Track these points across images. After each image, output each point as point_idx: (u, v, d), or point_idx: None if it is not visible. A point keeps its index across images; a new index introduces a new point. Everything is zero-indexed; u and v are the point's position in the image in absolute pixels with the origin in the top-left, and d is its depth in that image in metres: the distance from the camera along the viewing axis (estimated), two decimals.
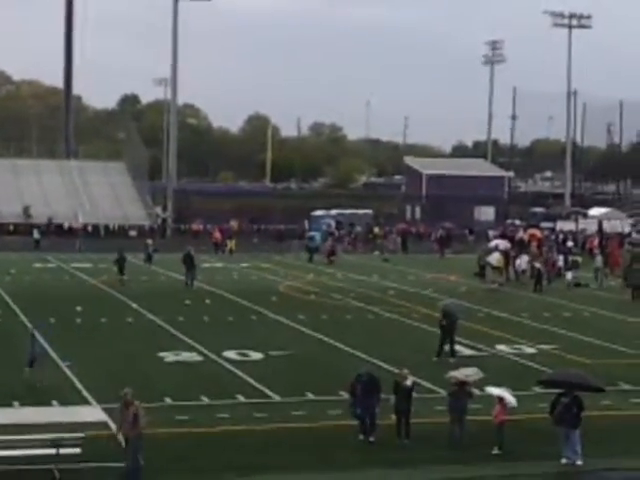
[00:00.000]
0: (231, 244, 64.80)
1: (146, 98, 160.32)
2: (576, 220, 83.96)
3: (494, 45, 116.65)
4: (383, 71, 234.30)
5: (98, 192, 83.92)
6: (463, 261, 58.80)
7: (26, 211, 78.31)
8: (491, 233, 71.98)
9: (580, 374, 21.57)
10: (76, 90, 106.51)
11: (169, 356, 29.17)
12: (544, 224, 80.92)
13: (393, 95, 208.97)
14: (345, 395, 22.48)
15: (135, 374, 26.32)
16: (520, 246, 56.43)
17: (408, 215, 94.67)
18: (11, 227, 76.25)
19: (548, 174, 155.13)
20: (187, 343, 31.26)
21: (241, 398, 24.27)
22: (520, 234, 64.35)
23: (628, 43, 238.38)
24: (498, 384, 22.23)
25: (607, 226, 78.89)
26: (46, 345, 28.82)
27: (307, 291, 45.22)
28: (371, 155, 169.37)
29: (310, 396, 24.61)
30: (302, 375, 27.23)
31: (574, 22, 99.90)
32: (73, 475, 18.36)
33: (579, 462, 19.78)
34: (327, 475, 19.22)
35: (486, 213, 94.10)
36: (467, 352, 30.70)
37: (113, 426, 19.14)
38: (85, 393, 24.29)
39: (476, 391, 21.88)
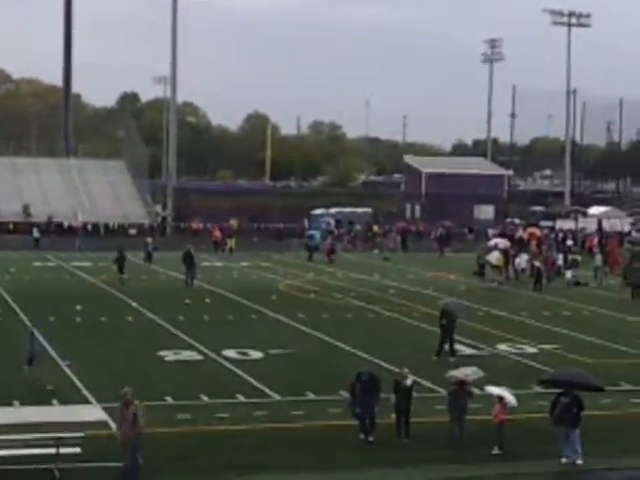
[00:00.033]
0: (231, 243, 64.81)
1: (145, 96, 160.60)
2: (576, 219, 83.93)
3: (493, 43, 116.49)
4: (382, 70, 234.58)
5: (98, 190, 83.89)
6: (463, 260, 58.79)
7: (26, 210, 78.27)
8: (491, 232, 72.01)
9: (581, 373, 21.58)
10: (75, 88, 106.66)
11: (169, 355, 29.16)
12: (544, 223, 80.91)
13: (392, 94, 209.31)
14: (345, 394, 22.48)
15: (135, 373, 26.31)
16: (520, 245, 56.46)
17: (408, 214, 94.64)
18: (11, 226, 76.18)
19: (548, 172, 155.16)
20: (187, 342, 31.25)
21: (241, 397, 24.26)
22: (520, 233, 64.39)
23: (627, 41, 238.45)
24: (498, 383, 22.23)
25: (607, 225, 78.89)
26: (46, 344, 28.85)
27: (307, 290, 45.21)
28: (370, 154, 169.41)
29: (310, 395, 24.60)
30: (302, 374, 27.22)
31: (573, 20, 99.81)
32: (73, 474, 18.35)
33: (579, 461, 19.78)
34: (327, 474, 19.21)
35: (486, 212, 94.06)
36: (467, 351, 30.69)
37: (113, 425, 19.14)
38: (85, 392, 24.28)
39: (476, 390, 21.87)
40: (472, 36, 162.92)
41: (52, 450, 18.27)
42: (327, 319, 36.91)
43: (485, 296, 44.43)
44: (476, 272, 51.72)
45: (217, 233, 66.70)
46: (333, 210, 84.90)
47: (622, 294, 45.94)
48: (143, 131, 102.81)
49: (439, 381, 24.49)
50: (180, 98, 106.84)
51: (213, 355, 29.23)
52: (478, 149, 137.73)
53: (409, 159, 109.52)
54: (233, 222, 77.11)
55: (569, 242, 65.20)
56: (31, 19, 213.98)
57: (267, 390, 24.98)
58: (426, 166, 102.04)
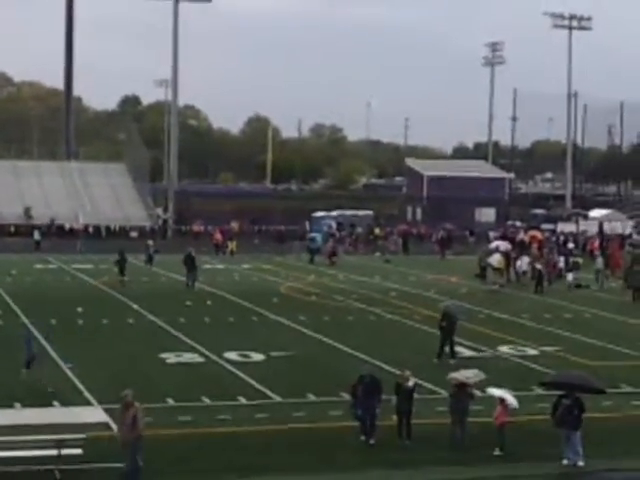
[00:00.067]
0: (232, 245, 64.82)
1: (147, 99, 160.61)
2: (577, 221, 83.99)
3: (494, 47, 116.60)
4: (383, 72, 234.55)
5: (99, 193, 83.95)
6: (464, 262, 58.79)
7: (27, 212, 78.32)
8: (492, 234, 72.04)
9: (582, 376, 21.57)
10: (77, 91, 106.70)
11: (170, 357, 29.17)
12: (545, 225, 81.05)
13: (393, 96, 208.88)
14: (346, 396, 22.48)
15: (136, 375, 26.32)
16: (521, 247, 56.47)
17: (409, 216, 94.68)
18: (12, 228, 76.25)
19: (549, 175, 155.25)
20: (188, 344, 31.26)
21: (242, 399, 24.27)
22: (521, 235, 64.45)
23: (628, 44, 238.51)
24: (499, 385, 22.23)
25: (608, 227, 78.84)
26: (48, 347, 28.90)
27: (308, 292, 45.21)
28: (371, 156, 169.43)
29: (311, 397, 24.60)
30: (303, 376, 27.23)
31: (574, 23, 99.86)
32: (74, 476, 18.37)
33: (580, 463, 19.78)
34: (328, 476, 19.21)
35: (487, 214, 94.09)
36: (468, 353, 30.69)
37: (114, 427, 19.15)
38: (86, 394, 24.29)
39: (477, 392, 21.87)
40: (473, 38, 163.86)
41: (53, 452, 18.30)
42: (328, 321, 36.91)
43: (486, 298, 44.43)
44: (477, 275, 51.73)
45: (218, 236, 66.69)
46: (334, 213, 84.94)
47: (623, 297, 45.93)
48: (144, 134, 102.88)
49: (440, 383, 24.49)
50: (181, 101, 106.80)
51: (214, 357, 29.23)
52: (479, 152, 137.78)
53: (410, 162, 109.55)
54: (234, 225, 77.15)
55: (570, 245, 65.24)
56: (32, 22, 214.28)
57: (268, 392, 24.99)
58: (427, 169, 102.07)
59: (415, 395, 21.38)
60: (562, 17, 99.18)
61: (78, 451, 18.43)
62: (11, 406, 22.34)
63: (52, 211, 78.38)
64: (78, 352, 29.43)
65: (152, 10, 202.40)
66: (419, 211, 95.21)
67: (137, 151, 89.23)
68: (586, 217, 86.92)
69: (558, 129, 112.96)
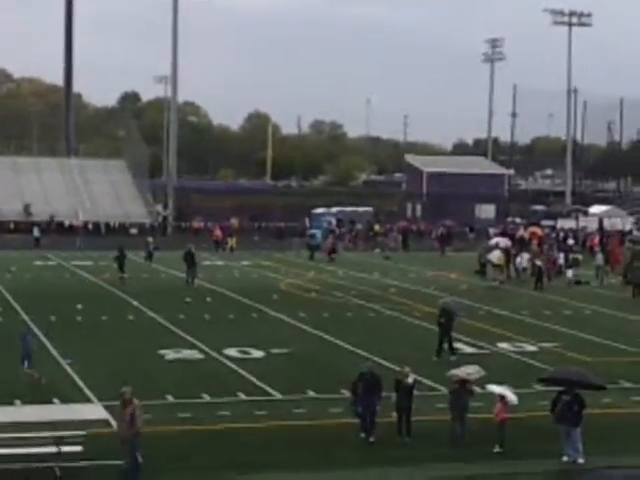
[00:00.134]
0: (232, 242, 64.83)
1: (146, 96, 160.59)
2: (577, 218, 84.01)
3: (494, 43, 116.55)
4: (383, 69, 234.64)
5: (99, 190, 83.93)
6: (464, 259, 58.79)
7: (26, 209, 78.30)
8: (492, 231, 72.07)
9: (581, 372, 21.57)
10: (76, 88, 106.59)
11: (170, 354, 29.17)
12: (545, 222, 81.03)
13: (393, 93, 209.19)
14: (346, 393, 22.48)
15: (136, 372, 26.33)
16: (521, 244, 56.48)
17: (409, 213, 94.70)
18: (11, 225, 76.23)
19: (548, 172, 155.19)
20: (188, 341, 31.27)
21: (242, 396, 24.28)
22: (521, 232, 64.44)
23: (628, 41, 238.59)
24: (499, 382, 22.23)
25: (608, 224, 78.91)
26: (47, 343, 28.92)
27: (308, 289, 45.22)
28: (371, 153, 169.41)
29: (311, 394, 24.61)
30: (303, 373, 27.24)
31: (574, 20, 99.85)
32: (74, 473, 18.37)
33: (580, 460, 19.78)
34: (328, 473, 19.22)
35: (487, 211, 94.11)
36: (468, 350, 30.70)
37: (114, 424, 19.16)
38: (86, 391, 24.31)
39: (477, 389, 21.88)
40: (472, 36, 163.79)
41: (53, 449, 18.29)
42: (328, 318, 36.92)
43: (486, 295, 44.44)
44: (477, 271, 51.72)
45: (218, 232, 66.71)
46: (334, 209, 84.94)
47: (623, 293, 45.95)
48: (144, 131, 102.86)
49: (440, 380, 24.51)
50: (181, 97, 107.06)
51: (214, 354, 29.24)
52: (479, 148, 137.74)
53: (410, 158, 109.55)
54: (234, 221, 77.17)
55: (570, 241, 65.24)
56: (32, 19, 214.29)
57: (268, 389, 25.00)
58: (427, 165, 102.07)
59: (415, 392, 21.38)
60: (562, 13, 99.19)
61: (78, 448, 18.42)
62: (11, 403, 22.36)
63: (52, 208, 78.38)
64: (78, 349, 29.44)
65: (152, 6, 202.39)
66: (419, 207, 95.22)
67: (137, 148, 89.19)
68: (586, 213, 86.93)
69: (558, 125, 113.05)
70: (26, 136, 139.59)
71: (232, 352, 29.40)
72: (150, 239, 56.61)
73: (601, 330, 35.07)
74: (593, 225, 78.30)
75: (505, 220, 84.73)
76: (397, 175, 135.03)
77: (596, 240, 64.64)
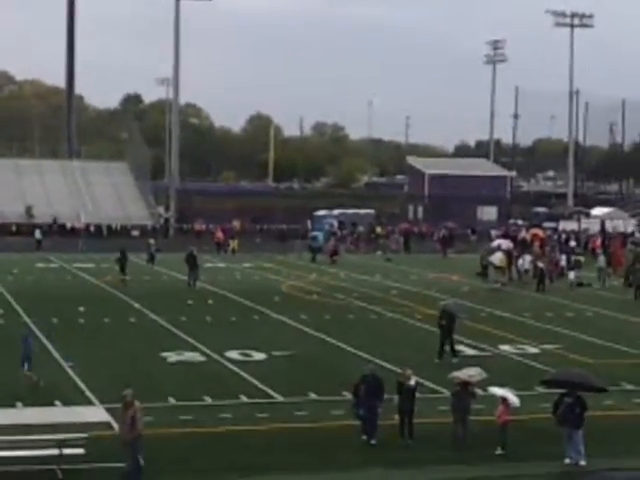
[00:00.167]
0: (233, 244, 64.83)
1: (148, 98, 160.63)
2: (579, 220, 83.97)
3: (496, 44, 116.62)
4: (385, 71, 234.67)
5: (100, 192, 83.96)
6: (466, 261, 58.77)
7: (28, 211, 78.32)
8: (494, 233, 72.08)
9: (582, 374, 21.55)
10: (78, 90, 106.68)
11: (172, 356, 29.17)
12: (547, 224, 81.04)
13: (395, 94, 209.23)
14: (348, 395, 22.47)
15: (138, 374, 26.33)
16: (523, 246, 56.50)
17: (410, 215, 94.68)
18: (13, 227, 76.24)
19: (550, 174, 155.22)
20: (190, 343, 31.26)
21: (244, 398, 24.27)
22: (523, 234, 64.49)
23: (630, 42, 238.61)
24: (501, 384, 22.23)
25: (609, 226, 78.91)
26: (49, 345, 28.91)
27: (310, 291, 45.21)
28: (373, 155, 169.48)
29: (313, 396, 24.60)
30: (305, 375, 27.23)
31: (576, 21, 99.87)
32: (76, 475, 18.38)
33: (582, 462, 19.77)
34: (329, 475, 19.21)
35: (488, 213, 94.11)
36: (470, 352, 30.68)
37: (116, 426, 19.17)
38: (88, 393, 24.31)
39: (479, 391, 21.86)
40: (474, 37, 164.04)
41: (55, 451, 18.30)
42: (329, 320, 36.91)
43: (488, 297, 44.42)
44: (479, 273, 51.71)
45: (220, 234, 66.69)
46: (336, 211, 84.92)
47: (625, 295, 45.92)
48: (146, 133, 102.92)
49: (442, 382, 24.49)
50: (183, 99, 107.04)
51: (216, 356, 29.23)
52: (481, 150, 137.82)
53: (412, 160, 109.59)
54: (236, 223, 77.19)
55: (572, 243, 65.22)
56: (34, 20, 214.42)
57: (270, 391, 24.99)
58: (429, 167, 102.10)
59: (417, 394, 21.37)
60: (564, 15, 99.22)
61: (80, 450, 18.43)
62: (13, 405, 22.36)
63: (54, 210, 78.41)
64: (79, 351, 29.44)
65: (153, 8, 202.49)
66: (421, 209, 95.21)
67: (139, 150, 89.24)
68: (588, 215, 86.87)
69: (560, 127, 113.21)
70: (28, 138, 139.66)
71: (234, 354, 29.39)
72: (152, 241, 56.62)
73: (603, 332, 35.05)
74: (595, 227, 78.28)
75: (507, 222, 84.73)
76: (399, 177, 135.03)
77: (598, 242, 64.65)
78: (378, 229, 76.66)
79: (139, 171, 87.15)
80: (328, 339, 32.68)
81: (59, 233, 74.09)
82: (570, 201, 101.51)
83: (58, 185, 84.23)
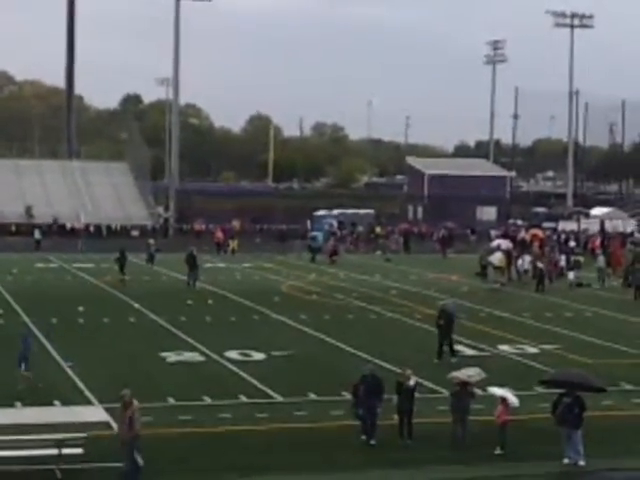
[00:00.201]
0: (233, 244, 64.84)
1: (148, 98, 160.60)
2: (578, 220, 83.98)
3: (496, 45, 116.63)
4: (384, 71, 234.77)
5: (100, 192, 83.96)
6: (465, 261, 58.78)
7: (28, 211, 78.32)
8: (493, 233, 72.07)
9: (582, 374, 21.57)
10: (78, 90, 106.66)
11: (171, 356, 29.17)
12: (546, 224, 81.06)
13: (394, 94, 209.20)
14: (347, 395, 22.48)
15: (137, 374, 26.34)
16: (522, 246, 56.49)
17: (410, 215, 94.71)
18: (13, 227, 76.24)
19: (550, 174, 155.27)
20: (189, 343, 31.26)
21: (243, 398, 24.28)
22: (522, 234, 64.47)
23: (630, 42, 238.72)
24: (501, 384, 22.24)
25: (609, 226, 78.92)
26: (48, 345, 28.89)
27: (309, 291, 45.21)
28: (373, 155, 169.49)
29: (312, 396, 24.61)
30: (304, 375, 27.23)
31: (576, 22, 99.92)
32: (75, 475, 18.39)
33: (581, 462, 19.77)
34: (329, 476, 19.21)
35: (488, 213, 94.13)
36: (469, 352, 30.69)
37: (115, 426, 19.17)
38: (87, 393, 24.31)
39: (478, 391, 21.87)
40: (474, 37, 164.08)
41: (54, 451, 18.30)
42: (329, 320, 36.92)
43: (487, 297, 44.43)
44: (478, 273, 51.71)
45: (219, 234, 66.67)
46: (336, 211, 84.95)
47: (624, 295, 45.93)
48: (146, 133, 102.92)
49: (441, 382, 24.50)
50: (182, 100, 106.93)
51: (215, 356, 29.23)
52: (480, 150, 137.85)
53: (411, 160, 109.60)
54: (235, 223, 77.20)
55: (571, 243, 65.25)
56: (33, 21, 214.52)
57: (269, 391, 25.00)
58: (429, 167, 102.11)
59: (416, 394, 21.38)
60: (564, 15, 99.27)
61: (79, 450, 18.43)
62: (12, 405, 22.36)
63: (53, 210, 78.40)
64: (79, 351, 29.44)
65: (153, 8, 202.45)
66: (420, 210, 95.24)
67: (138, 150, 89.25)
68: (587, 215, 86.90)
69: (559, 127, 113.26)
70: (28, 138, 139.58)
71: (233, 354, 29.40)
72: (151, 241, 56.62)
73: (602, 332, 35.06)
74: (594, 227, 78.29)
75: (506, 222, 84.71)
76: (398, 177, 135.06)
77: (597, 242, 64.65)
78: (378, 229, 76.68)
79: (139, 171, 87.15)
80: (327, 339, 32.69)
81: (59, 233, 74.07)
82: (570, 201, 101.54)
83: (58, 185, 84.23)
